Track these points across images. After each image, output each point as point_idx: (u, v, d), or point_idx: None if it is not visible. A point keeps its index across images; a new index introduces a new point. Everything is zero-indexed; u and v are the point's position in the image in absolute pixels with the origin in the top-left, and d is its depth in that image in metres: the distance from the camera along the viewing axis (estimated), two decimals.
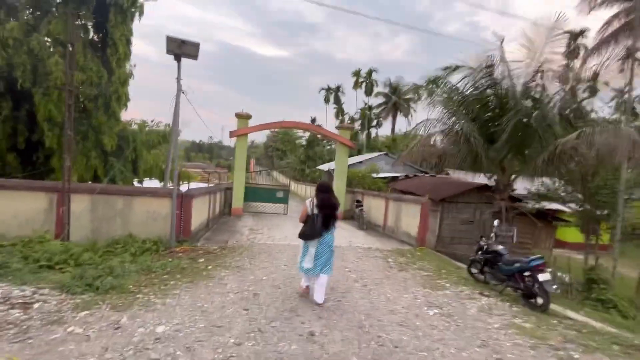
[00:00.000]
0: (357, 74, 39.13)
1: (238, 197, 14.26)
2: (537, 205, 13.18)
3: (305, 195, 31.45)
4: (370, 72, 37.76)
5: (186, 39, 6.97)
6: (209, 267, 5.77)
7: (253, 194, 14.94)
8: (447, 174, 25.84)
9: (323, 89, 43.25)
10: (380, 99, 40.12)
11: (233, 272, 5.60)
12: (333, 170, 18.20)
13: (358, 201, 14.01)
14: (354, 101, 69.14)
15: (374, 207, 13.45)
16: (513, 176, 10.89)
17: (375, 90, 39.06)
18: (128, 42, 9.60)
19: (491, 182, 12.08)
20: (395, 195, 11.76)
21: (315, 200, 4.37)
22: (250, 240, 8.59)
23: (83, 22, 8.68)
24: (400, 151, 37.08)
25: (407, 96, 40.24)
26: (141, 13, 9.85)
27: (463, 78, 10.85)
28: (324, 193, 4.42)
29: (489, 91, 10.61)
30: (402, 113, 41.54)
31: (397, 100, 38.61)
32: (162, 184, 11.00)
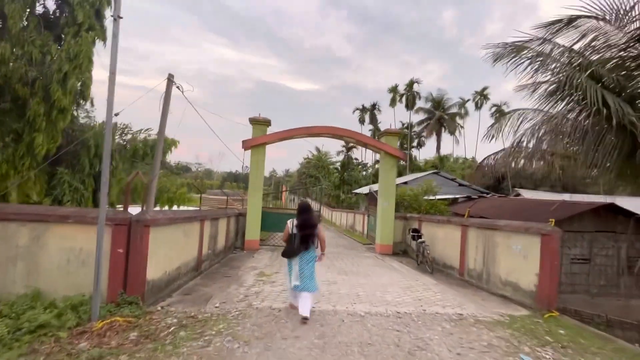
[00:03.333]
0: (393, 90, 35.78)
1: (253, 225, 10.91)
2: None
3: (341, 225, 27.48)
4: (411, 84, 34.22)
5: None
6: None
7: (272, 221, 11.51)
8: (518, 194, 20.81)
9: (357, 109, 40.36)
10: (422, 116, 36.21)
11: None
12: (376, 191, 14.43)
13: (415, 230, 10.02)
14: (391, 121, 65.48)
15: (441, 238, 9.38)
16: None
17: (417, 104, 35.31)
18: (98, 14, 7.06)
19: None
20: (480, 221, 7.69)
21: (295, 221, 4.56)
22: (246, 300, 5.00)
23: None
24: (450, 171, 32.26)
25: (453, 111, 36.04)
26: None
27: (582, 36, 7.01)
28: (304, 213, 4.61)
29: (633, 50, 6.58)
30: (447, 130, 37.14)
31: (441, 115, 34.42)
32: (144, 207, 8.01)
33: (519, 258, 6.21)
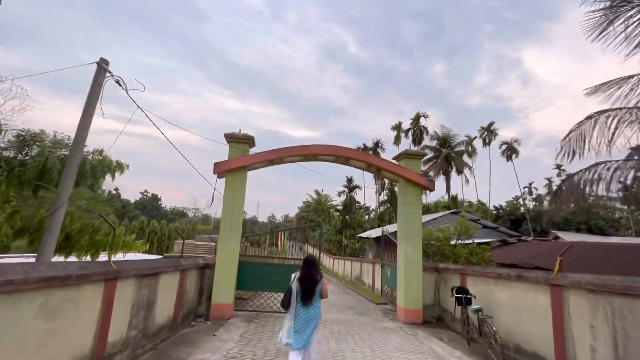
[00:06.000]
0: (397, 127, 34.01)
1: (224, 282, 7.65)
2: None
3: (344, 276, 23.66)
4: (417, 117, 32.37)
5: None
6: None
7: (253, 275, 8.26)
8: (557, 237, 17.51)
9: (359, 148, 38.26)
10: (428, 154, 33.98)
11: None
12: (392, 233, 11.32)
13: (461, 290, 6.75)
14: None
15: (506, 304, 6.08)
16: None
17: (424, 141, 33.23)
18: None
19: None
20: (596, 279, 4.51)
21: (299, 274, 4.33)
22: None
23: None
24: (467, 210, 29.04)
25: (459, 149, 33.95)
26: None
27: None
28: (308, 267, 4.37)
29: None
30: (454, 169, 34.73)
31: (448, 153, 32.18)
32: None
33: None
